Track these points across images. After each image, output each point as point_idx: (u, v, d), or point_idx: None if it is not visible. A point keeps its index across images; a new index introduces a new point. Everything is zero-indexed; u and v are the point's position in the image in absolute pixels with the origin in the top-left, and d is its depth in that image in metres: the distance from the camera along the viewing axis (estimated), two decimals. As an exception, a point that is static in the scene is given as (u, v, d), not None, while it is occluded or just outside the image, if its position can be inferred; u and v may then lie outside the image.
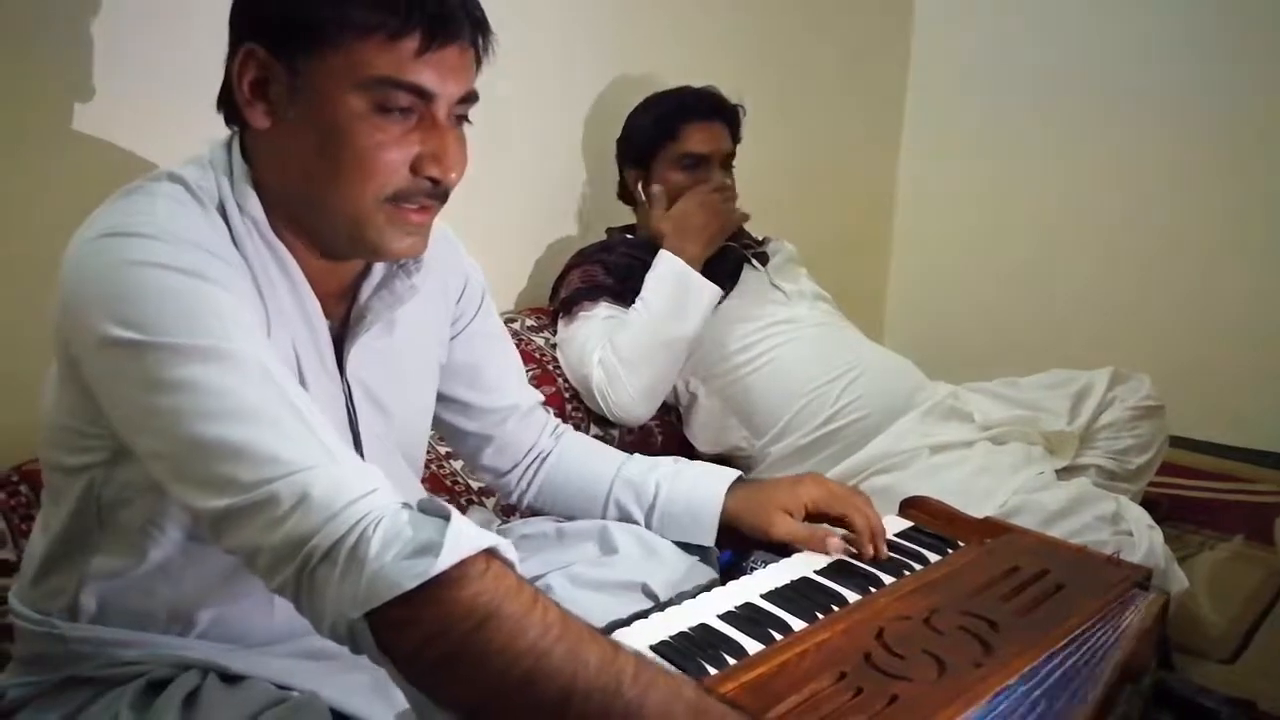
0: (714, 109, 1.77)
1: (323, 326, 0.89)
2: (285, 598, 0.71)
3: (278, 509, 0.68)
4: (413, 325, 0.98)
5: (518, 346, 1.66)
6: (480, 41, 0.84)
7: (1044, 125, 2.58)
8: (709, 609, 0.92)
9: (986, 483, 1.43)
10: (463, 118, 0.86)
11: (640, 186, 1.79)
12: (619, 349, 1.59)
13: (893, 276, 2.93)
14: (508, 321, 1.76)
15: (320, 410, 0.77)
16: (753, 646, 0.85)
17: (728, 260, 1.78)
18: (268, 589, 0.71)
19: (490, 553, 0.69)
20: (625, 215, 1.90)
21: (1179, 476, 2.08)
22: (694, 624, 0.89)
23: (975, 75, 2.67)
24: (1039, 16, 2.56)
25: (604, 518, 1.14)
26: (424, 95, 0.80)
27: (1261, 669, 1.51)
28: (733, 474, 1.14)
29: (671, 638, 0.87)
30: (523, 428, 1.18)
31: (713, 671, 0.81)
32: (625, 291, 1.67)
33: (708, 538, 1.11)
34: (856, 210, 2.76)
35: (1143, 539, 1.34)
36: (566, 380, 1.67)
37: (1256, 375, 2.36)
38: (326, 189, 0.81)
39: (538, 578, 1.08)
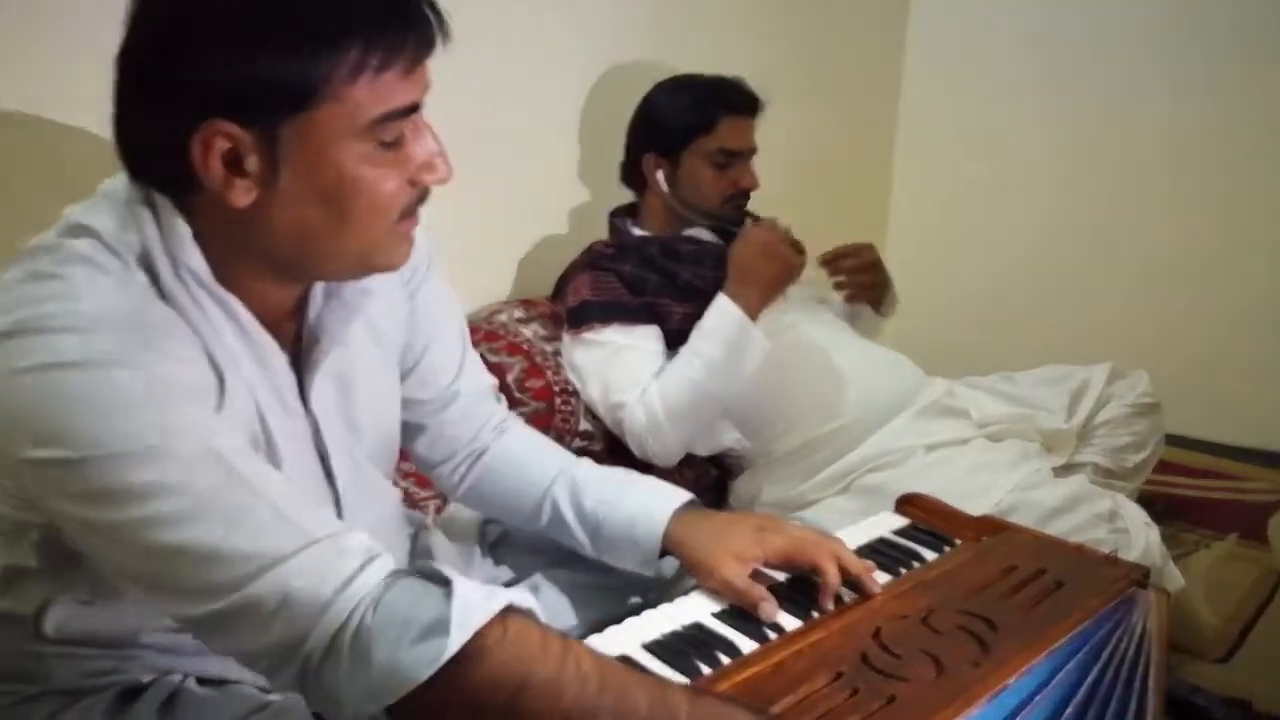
0: (749, 104, 1.70)
1: (280, 363, 0.81)
2: (295, 693, 0.67)
3: (261, 610, 0.64)
4: (369, 324, 0.91)
5: (504, 340, 1.66)
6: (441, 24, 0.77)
7: (1041, 120, 2.57)
8: (703, 607, 0.91)
9: (983, 480, 1.42)
10: None
11: (659, 174, 1.71)
12: (668, 400, 1.52)
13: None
14: (495, 313, 1.74)
15: (283, 462, 0.74)
16: (747, 645, 0.84)
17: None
18: (273, 689, 0.68)
19: (505, 611, 0.65)
20: (622, 196, 1.84)
21: (1173, 474, 2.08)
22: (688, 622, 0.88)
23: (971, 69, 2.66)
24: (1036, 8, 2.55)
25: (539, 523, 1.05)
26: (412, 110, 0.75)
27: (1256, 668, 1.50)
28: (682, 497, 1.01)
29: (665, 636, 0.85)
30: (463, 419, 1.07)
31: (707, 671, 0.79)
32: (638, 308, 1.62)
33: (647, 566, 1.00)
34: (851, 206, 2.75)
35: (1139, 537, 1.34)
36: (557, 374, 1.65)
37: (1252, 373, 2.36)
38: (335, 239, 0.75)
39: (524, 579, 1.06)
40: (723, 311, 1.56)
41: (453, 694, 0.62)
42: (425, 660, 0.61)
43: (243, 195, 0.71)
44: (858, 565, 0.92)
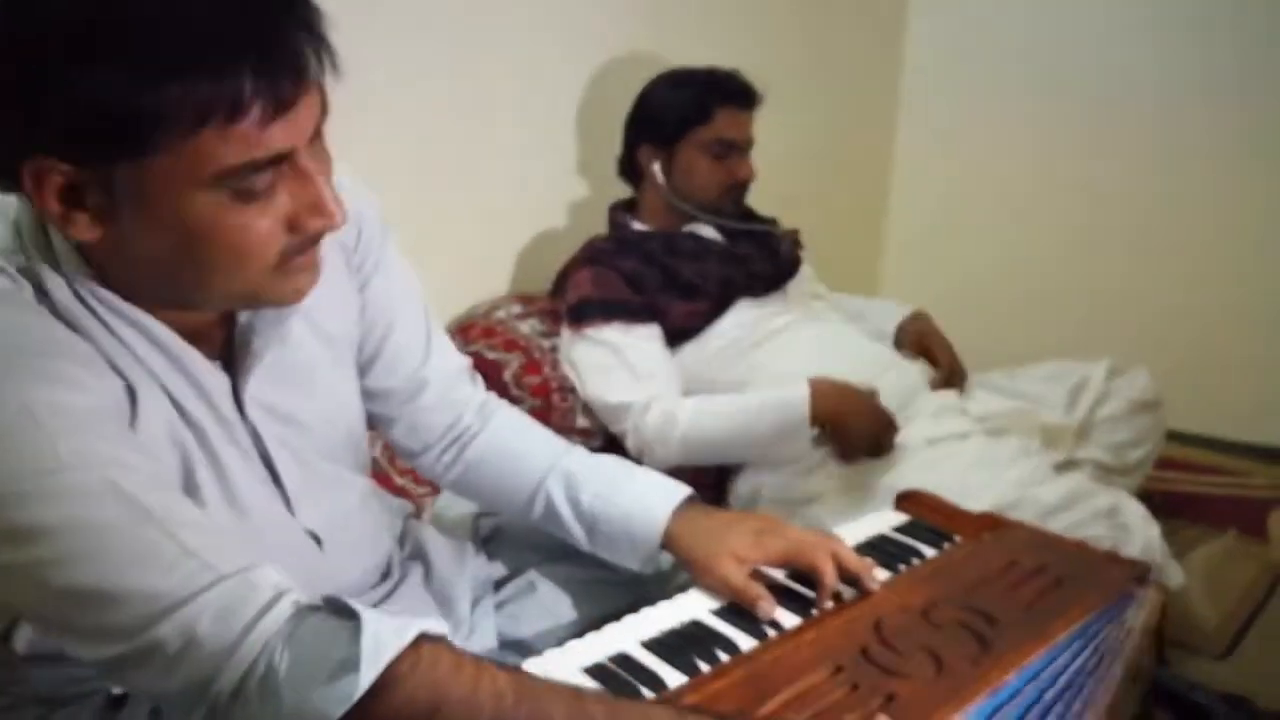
0: (746, 95, 1.70)
1: (207, 371, 0.77)
2: None
3: (167, 652, 0.61)
4: (310, 312, 0.84)
5: (501, 336, 1.65)
6: (325, 60, 0.67)
7: (1041, 117, 2.56)
8: (702, 604, 0.90)
9: (983, 476, 1.41)
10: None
11: (655, 166, 1.71)
12: (693, 428, 1.52)
13: (886, 269, 2.91)
14: (493, 309, 1.73)
15: (224, 467, 0.72)
16: (746, 643, 0.83)
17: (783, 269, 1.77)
18: None
19: (418, 640, 0.64)
20: (619, 192, 1.83)
21: (1173, 470, 2.07)
22: (687, 619, 0.87)
23: (972, 63, 2.65)
24: (1036, 5, 2.54)
25: (532, 516, 1.02)
26: (282, 158, 0.66)
27: (1256, 665, 1.50)
28: (680, 494, 0.99)
29: (663, 634, 0.85)
30: (438, 405, 1.02)
31: (705, 668, 0.79)
32: (639, 307, 1.62)
33: (646, 564, 0.98)
34: (850, 201, 2.74)
35: (1140, 533, 1.34)
36: (554, 370, 1.65)
37: (1250, 369, 2.35)
38: (199, 282, 0.69)
39: (519, 575, 1.05)
40: (797, 407, 1.51)
41: None
42: (336, 699, 0.60)
43: (86, 230, 0.65)
44: (857, 563, 0.92)
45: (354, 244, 0.92)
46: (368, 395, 0.98)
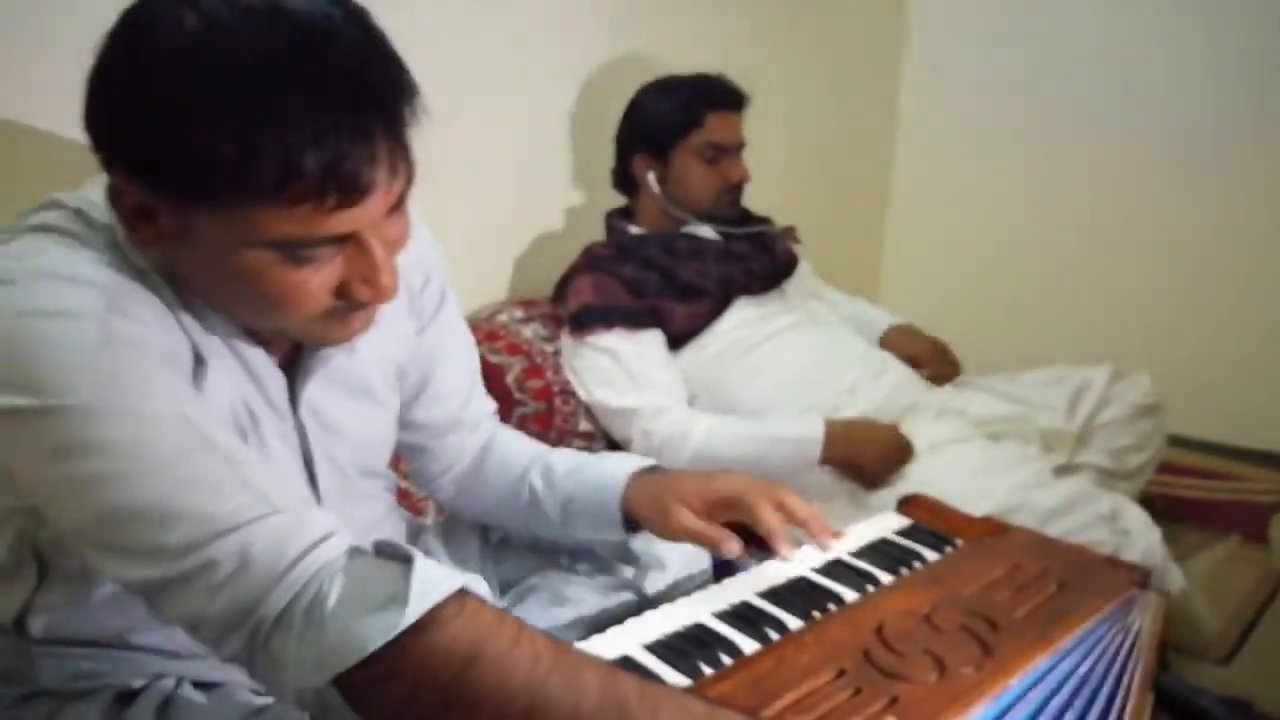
0: (735, 97, 1.71)
1: (267, 368, 0.80)
2: (238, 666, 0.66)
3: (217, 573, 0.63)
4: (376, 331, 0.84)
5: (504, 340, 1.65)
6: (407, 130, 0.68)
7: (1041, 120, 2.57)
8: (704, 608, 0.90)
9: (984, 481, 1.41)
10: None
11: (650, 175, 1.72)
12: (706, 444, 1.52)
13: (886, 271, 2.91)
14: (495, 314, 1.74)
15: (263, 451, 0.73)
16: (749, 646, 0.83)
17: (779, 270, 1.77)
18: (218, 659, 0.66)
19: (462, 592, 0.65)
20: (618, 197, 1.84)
21: (1175, 475, 2.07)
22: (689, 623, 0.87)
23: (972, 67, 2.66)
24: (1035, 10, 2.55)
25: (517, 508, 1.06)
26: (340, 240, 0.68)
27: (1257, 669, 1.50)
28: (641, 462, 1.03)
29: (666, 636, 0.85)
30: (461, 440, 1.08)
31: (709, 671, 0.79)
32: (640, 312, 1.63)
33: (615, 531, 1.01)
34: (850, 205, 2.74)
35: (1141, 538, 1.34)
36: (557, 373, 1.65)
37: (1253, 374, 2.35)
38: (247, 314, 0.74)
39: (524, 579, 1.06)
40: (809, 450, 1.53)
41: (401, 664, 0.61)
42: (380, 630, 0.60)
43: (149, 244, 0.68)
44: (804, 511, 0.93)
45: (420, 288, 0.96)
46: (405, 424, 1.02)
